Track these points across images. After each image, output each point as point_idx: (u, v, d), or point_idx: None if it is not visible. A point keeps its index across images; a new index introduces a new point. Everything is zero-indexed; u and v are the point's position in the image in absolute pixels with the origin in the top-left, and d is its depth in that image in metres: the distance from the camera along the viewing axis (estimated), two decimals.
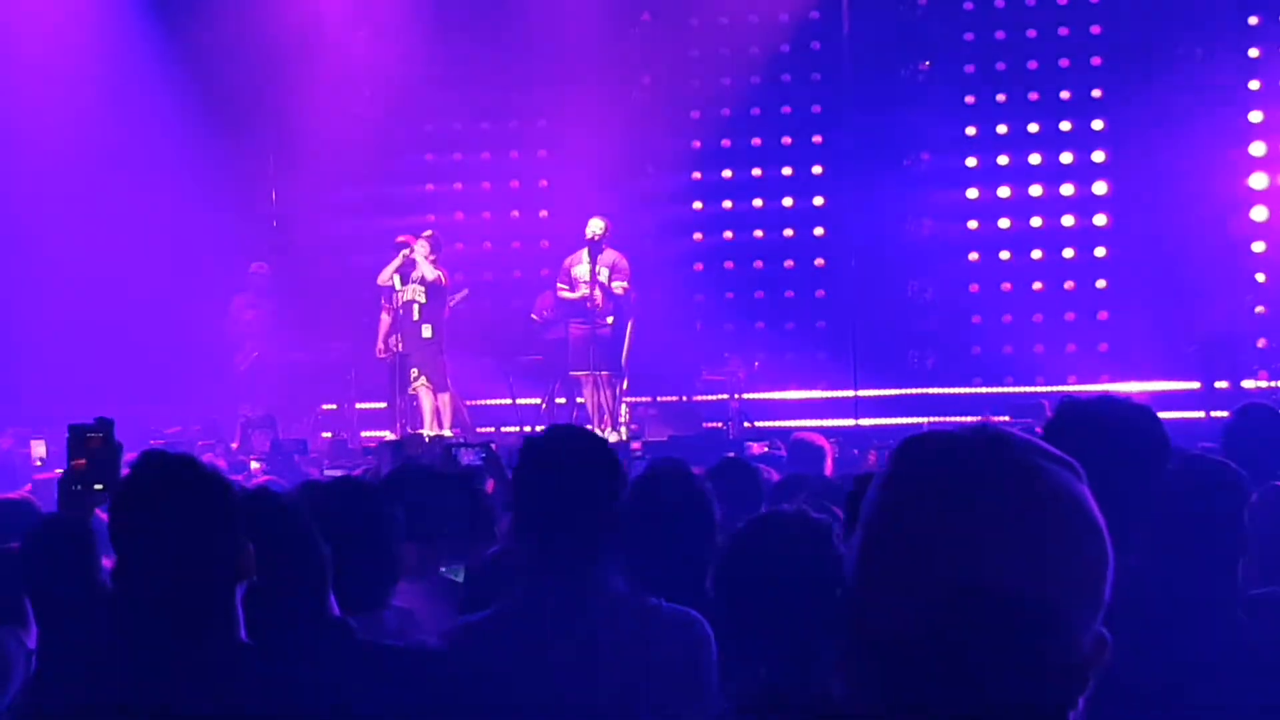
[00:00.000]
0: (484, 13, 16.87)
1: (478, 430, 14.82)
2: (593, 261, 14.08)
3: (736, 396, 15.14)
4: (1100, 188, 16.38)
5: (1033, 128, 16.47)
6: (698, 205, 17.44)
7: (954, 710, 1.32)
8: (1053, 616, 1.32)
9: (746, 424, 14.52)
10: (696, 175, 17.36)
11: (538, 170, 17.57)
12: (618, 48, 16.69)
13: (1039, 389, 15.06)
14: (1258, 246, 15.64)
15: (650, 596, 3.41)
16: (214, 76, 16.18)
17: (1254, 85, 15.73)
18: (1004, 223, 16.62)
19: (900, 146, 16.62)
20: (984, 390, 15.67)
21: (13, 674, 3.41)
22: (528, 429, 14.00)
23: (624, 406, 14.52)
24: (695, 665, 3.32)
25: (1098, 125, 16.36)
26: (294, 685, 2.83)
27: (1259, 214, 15.65)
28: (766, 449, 10.58)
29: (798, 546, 2.89)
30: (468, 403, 15.39)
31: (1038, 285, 16.51)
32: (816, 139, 17.18)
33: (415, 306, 14.34)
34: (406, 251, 14.38)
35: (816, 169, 17.18)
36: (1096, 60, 16.36)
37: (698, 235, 17.43)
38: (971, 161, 16.65)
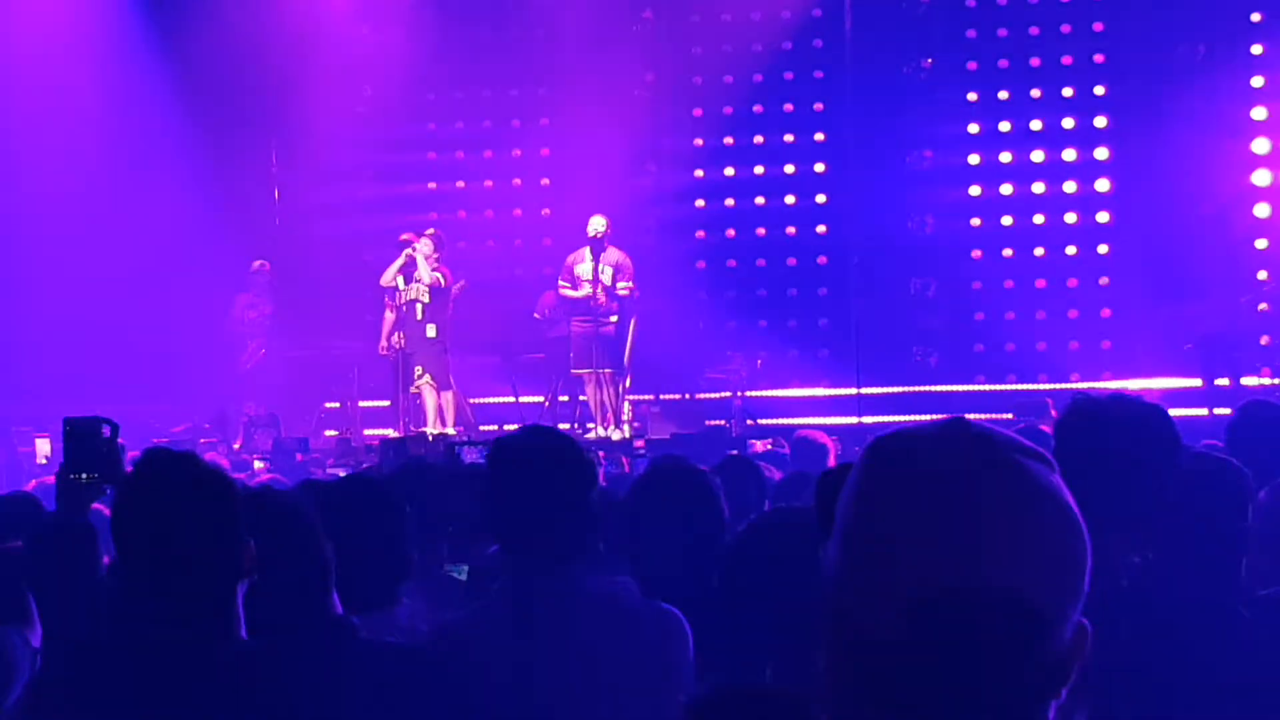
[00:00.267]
0: (486, 12, 16.89)
1: (481, 429, 14.83)
2: (595, 260, 14.07)
3: (739, 394, 15.14)
4: (1103, 185, 16.38)
5: (1035, 125, 16.47)
6: (700, 203, 17.44)
7: (939, 710, 1.31)
8: (1037, 612, 1.31)
9: (749, 422, 14.52)
10: (699, 173, 17.36)
11: (540, 168, 17.57)
12: (620, 46, 16.68)
13: (1042, 386, 15.07)
14: (1261, 243, 15.63)
15: (625, 593, 3.42)
16: (217, 75, 16.17)
17: (1257, 82, 15.72)
18: (1007, 220, 16.62)
19: (903, 144, 16.63)
20: (987, 388, 15.67)
21: (17, 673, 3.41)
22: None
23: (627, 404, 14.52)
24: (671, 661, 3.33)
25: (1100, 123, 16.36)
26: (293, 683, 2.83)
27: (1262, 211, 15.65)
28: (769, 447, 10.57)
29: (803, 545, 2.89)
30: (471, 401, 15.40)
31: (1041, 283, 16.51)
32: (819, 136, 17.18)
33: (419, 306, 14.34)
34: (409, 251, 14.38)
35: (819, 167, 17.18)
36: (1099, 58, 16.36)
37: (700, 233, 17.43)
38: (974, 159, 16.65)
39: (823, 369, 16.18)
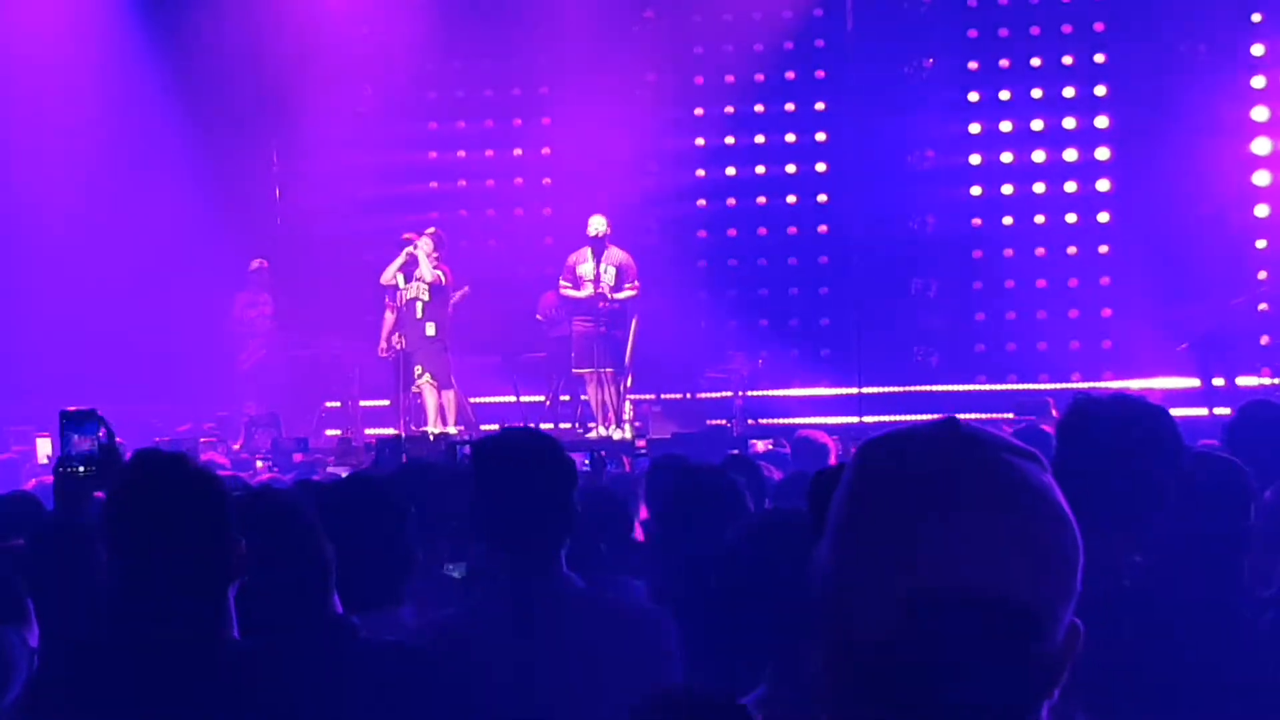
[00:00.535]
0: (487, 13, 16.87)
1: (482, 428, 14.82)
2: (597, 260, 14.07)
3: (740, 394, 15.13)
4: (1104, 185, 16.37)
5: (1036, 125, 16.47)
6: (702, 203, 17.43)
7: (932, 710, 1.31)
8: (1029, 611, 1.31)
9: (750, 421, 14.51)
10: (701, 173, 17.35)
11: (542, 168, 17.57)
12: (622, 45, 16.68)
13: (1043, 386, 15.07)
14: (1261, 243, 15.63)
15: (616, 592, 3.43)
16: (219, 75, 16.18)
17: (1257, 82, 15.71)
18: (1007, 220, 16.62)
19: (904, 144, 16.62)
20: (988, 388, 15.67)
21: (15, 673, 3.41)
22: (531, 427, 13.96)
23: (628, 404, 14.52)
24: (656, 659, 3.33)
25: (1101, 123, 16.35)
26: (292, 683, 2.83)
27: (1262, 211, 15.65)
28: (770, 446, 10.56)
29: (800, 546, 2.88)
30: (472, 400, 15.39)
31: (1041, 282, 16.51)
32: (820, 136, 17.18)
33: (418, 304, 14.34)
34: (410, 249, 14.38)
35: (820, 166, 17.17)
36: (1100, 58, 16.35)
37: (702, 233, 17.42)
38: (975, 159, 16.65)
39: (824, 369, 16.18)
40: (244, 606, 2.86)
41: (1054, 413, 10.60)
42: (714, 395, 15.48)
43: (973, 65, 16.67)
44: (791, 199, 17.24)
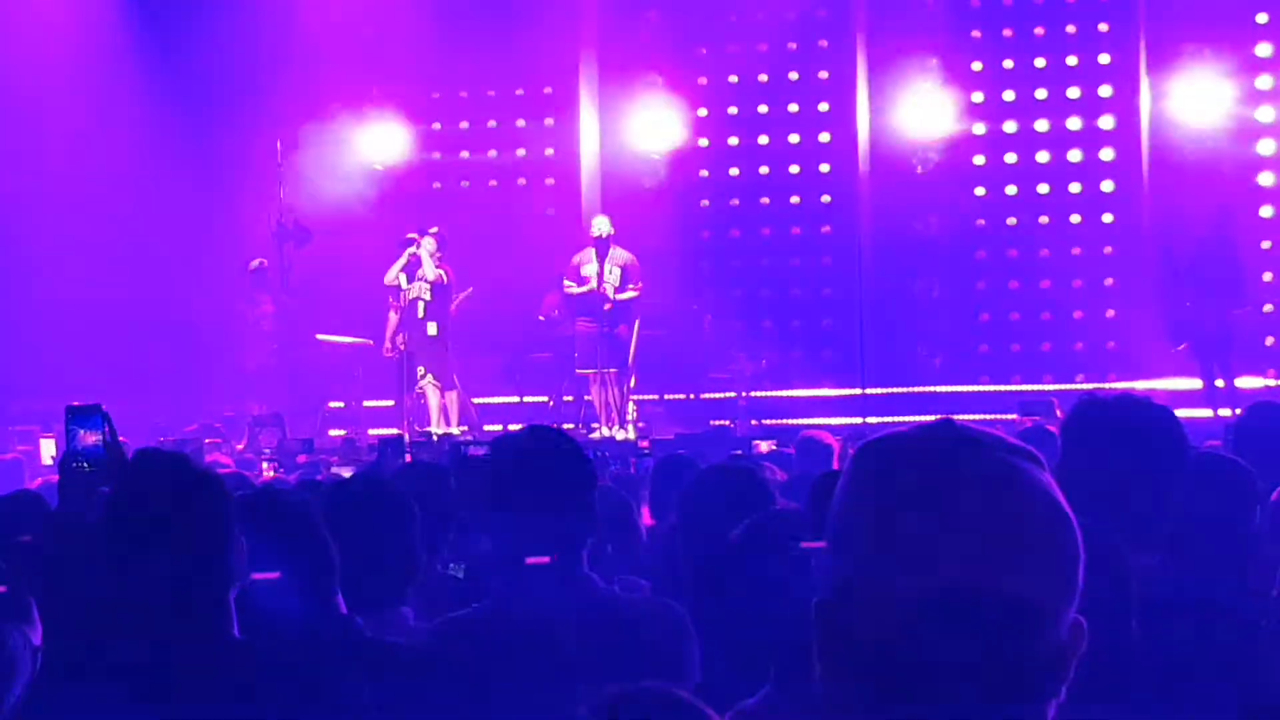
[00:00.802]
0: (490, 11, 16.86)
1: (485, 428, 14.82)
2: (601, 260, 14.08)
3: (744, 394, 15.14)
4: (1108, 186, 16.36)
5: (1040, 125, 16.45)
6: (705, 203, 17.41)
7: (936, 710, 1.31)
8: (1031, 609, 1.31)
9: (754, 422, 14.51)
10: (704, 174, 17.33)
11: (545, 169, 17.56)
12: (625, 46, 16.67)
13: (1047, 387, 15.04)
14: (1265, 244, 15.61)
15: (629, 591, 3.42)
16: (222, 74, 16.17)
17: (1262, 83, 15.69)
18: (1011, 220, 16.61)
19: (907, 145, 16.59)
20: (992, 388, 15.64)
21: (19, 671, 3.41)
22: None
23: (631, 404, 14.52)
24: (674, 656, 3.33)
25: (1106, 123, 16.33)
26: (296, 683, 2.82)
27: (1266, 212, 15.63)
28: (774, 447, 10.56)
29: (800, 546, 2.88)
30: (475, 401, 15.39)
31: (1045, 283, 16.49)
32: (824, 137, 17.16)
33: (421, 304, 14.34)
34: (413, 249, 14.38)
35: (824, 167, 17.16)
36: (1104, 58, 16.33)
37: (705, 233, 17.41)
38: (979, 160, 16.63)
39: (827, 369, 16.16)
40: (248, 606, 2.85)
41: (1059, 414, 10.58)
42: (717, 396, 15.48)
43: (976, 65, 16.65)
44: (794, 199, 17.23)
